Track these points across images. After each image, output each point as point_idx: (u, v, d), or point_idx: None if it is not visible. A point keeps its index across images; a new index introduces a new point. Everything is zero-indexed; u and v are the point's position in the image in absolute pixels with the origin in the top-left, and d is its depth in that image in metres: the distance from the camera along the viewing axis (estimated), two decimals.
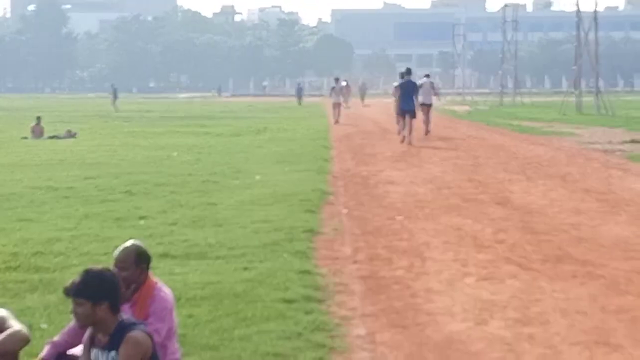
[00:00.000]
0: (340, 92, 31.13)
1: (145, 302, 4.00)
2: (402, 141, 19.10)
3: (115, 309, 3.47)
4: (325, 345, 4.61)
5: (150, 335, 3.52)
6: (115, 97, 44.21)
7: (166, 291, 4.09)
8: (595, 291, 5.76)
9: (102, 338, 3.51)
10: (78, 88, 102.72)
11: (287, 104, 50.35)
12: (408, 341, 4.75)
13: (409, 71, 20.59)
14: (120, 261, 3.98)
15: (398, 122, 21.24)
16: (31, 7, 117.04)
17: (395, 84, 22.26)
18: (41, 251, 6.98)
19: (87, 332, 3.60)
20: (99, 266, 3.61)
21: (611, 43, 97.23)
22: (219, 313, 5.17)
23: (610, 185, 11.50)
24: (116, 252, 4.05)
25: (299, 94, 51.62)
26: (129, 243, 4.09)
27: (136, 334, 3.45)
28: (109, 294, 3.44)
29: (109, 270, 3.57)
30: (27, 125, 23.68)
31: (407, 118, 19.20)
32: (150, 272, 4.14)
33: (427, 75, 23.69)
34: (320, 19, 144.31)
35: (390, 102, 24.03)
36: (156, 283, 4.09)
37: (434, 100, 24.04)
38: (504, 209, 9.44)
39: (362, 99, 49.45)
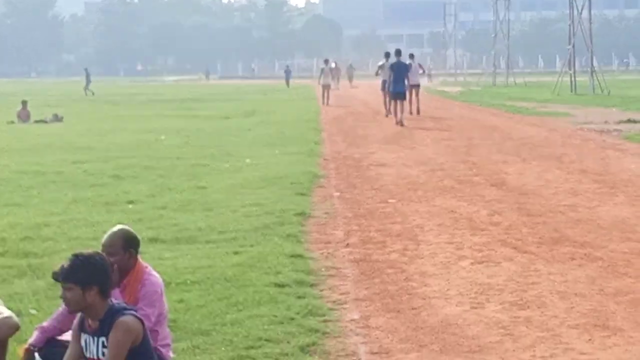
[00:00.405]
0: (329, 73, 31.06)
1: (134, 287, 3.96)
2: (397, 123, 18.99)
3: (105, 294, 3.42)
4: (318, 330, 4.54)
5: (141, 320, 3.47)
6: (88, 81, 43.43)
7: (156, 276, 4.04)
8: (593, 273, 5.69)
9: (92, 323, 3.45)
10: (65, 72, 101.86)
11: (277, 87, 50.23)
12: (403, 325, 4.67)
13: (398, 52, 20.48)
14: (108, 246, 3.92)
15: (385, 102, 21.83)
16: None
17: (380, 63, 23.26)
18: (29, 236, 6.91)
19: (77, 318, 3.55)
20: (88, 250, 3.55)
21: (605, 21, 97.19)
22: (210, 298, 5.10)
23: (607, 166, 11.43)
24: (104, 238, 3.99)
25: (287, 76, 52.09)
26: (116, 228, 4.05)
27: (127, 319, 3.39)
28: (99, 279, 3.39)
29: (98, 254, 3.52)
30: (14, 109, 23.52)
31: (398, 100, 19.30)
32: (140, 257, 4.05)
33: (412, 56, 23.76)
34: (308, 0, 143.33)
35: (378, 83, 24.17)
36: (146, 267, 4.04)
37: (425, 80, 25.08)
38: (499, 190, 9.35)
39: (350, 80, 49.44)
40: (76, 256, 3.41)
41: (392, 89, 19.61)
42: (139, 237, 4.09)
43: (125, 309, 3.45)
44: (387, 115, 21.46)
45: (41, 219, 7.64)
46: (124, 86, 44.14)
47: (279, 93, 40.99)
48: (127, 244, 3.93)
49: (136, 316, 3.44)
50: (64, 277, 3.38)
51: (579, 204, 8.36)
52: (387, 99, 21.68)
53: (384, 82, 22.08)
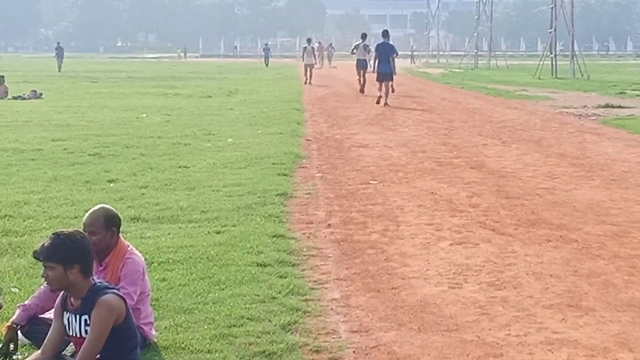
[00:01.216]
0: (312, 52, 31.12)
1: (116, 265, 3.98)
2: (378, 102, 19.28)
3: (86, 272, 3.42)
4: (300, 308, 4.60)
5: (123, 299, 3.49)
6: (59, 57, 42.29)
7: (137, 254, 4.06)
8: (568, 255, 5.80)
9: (74, 302, 3.47)
10: (43, 47, 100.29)
11: (259, 66, 50.09)
12: (383, 305, 4.75)
13: (385, 33, 20.63)
14: (89, 225, 3.92)
15: (359, 80, 23.55)
16: None
17: (356, 42, 25.25)
18: (9, 214, 6.86)
19: (60, 296, 3.56)
20: (68, 229, 3.54)
21: (586, 5, 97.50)
22: (193, 277, 5.14)
23: (584, 149, 11.56)
24: (85, 217, 4.00)
25: (266, 54, 52.15)
26: (97, 207, 4.05)
27: (109, 297, 3.41)
28: (80, 257, 3.39)
29: (79, 232, 3.51)
30: None
31: (384, 80, 19.44)
32: (122, 236, 4.08)
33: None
34: None
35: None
36: (128, 247, 4.06)
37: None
38: (479, 173, 9.45)
39: (329, 60, 49.45)
40: (57, 235, 3.41)
41: (379, 69, 19.82)
42: (121, 216, 4.12)
43: (108, 287, 3.47)
44: (361, 91, 22.73)
45: (21, 197, 7.60)
46: (104, 62, 43.49)
47: (261, 72, 40.80)
48: (109, 222, 3.94)
49: (118, 294, 3.46)
50: (45, 256, 3.38)
51: (556, 187, 8.49)
52: (362, 77, 23.33)
53: (358, 60, 23.91)
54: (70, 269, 3.37)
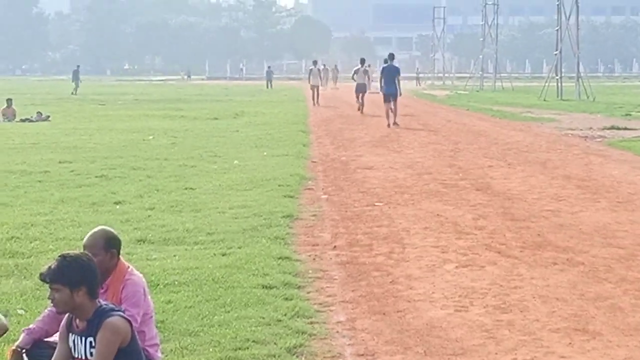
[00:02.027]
0: (318, 74, 31.97)
1: (116, 287, 3.96)
2: (389, 125, 19.78)
3: (93, 294, 3.42)
4: (305, 331, 4.59)
5: (129, 321, 3.49)
6: (76, 79, 42.55)
7: (138, 275, 4.05)
8: (575, 278, 5.78)
9: (79, 324, 3.47)
10: (50, 70, 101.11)
11: (264, 88, 50.32)
12: (388, 328, 4.74)
13: (391, 56, 21.73)
14: (89, 247, 3.92)
15: (357, 100, 25.69)
16: None
17: (355, 68, 27.47)
18: (16, 236, 6.90)
19: (65, 318, 3.56)
20: (74, 251, 3.55)
21: (592, 28, 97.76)
22: (198, 299, 5.14)
23: (590, 171, 11.53)
24: (85, 238, 4.00)
25: (269, 77, 52.64)
26: (97, 228, 4.06)
27: (114, 319, 3.41)
28: (87, 279, 3.39)
29: (85, 254, 3.52)
30: None
31: (391, 100, 20.28)
32: (122, 257, 4.09)
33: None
34: (297, 0, 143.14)
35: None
36: (128, 268, 4.05)
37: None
38: (484, 195, 9.44)
39: (334, 81, 49.86)
40: (63, 257, 3.41)
41: (385, 90, 20.67)
42: (120, 237, 4.13)
43: (114, 309, 3.47)
44: (358, 109, 25.25)
45: (28, 219, 7.63)
46: (111, 85, 43.81)
47: (266, 94, 40.99)
48: (108, 244, 3.93)
49: (124, 317, 3.46)
50: (51, 278, 3.37)
51: (562, 209, 8.47)
52: (361, 99, 25.54)
53: (358, 84, 25.99)
54: (76, 291, 3.37)
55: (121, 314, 3.47)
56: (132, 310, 3.86)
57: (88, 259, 3.47)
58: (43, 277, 3.43)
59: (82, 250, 3.74)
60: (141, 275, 4.10)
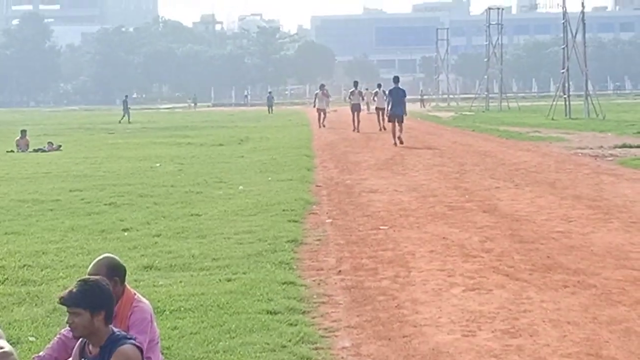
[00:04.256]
0: (323, 98, 33.30)
1: (125, 314, 3.99)
2: (396, 144, 20.87)
3: (109, 319, 3.48)
4: (310, 357, 4.56)
5: (140, 350, 3.51)
6: (125, 107, 43.63)
7: (145, 302, 4.07)
8: (587, 301, 5.67)
9: (92, 350, 3.49)
10: (62, 101, 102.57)
11: (268, 113, 50.64)
12: (394, 353, 4.68)
13: (396, 79, 23.23)
14: (93, 275, 3.93)
15: (353, 120, 28.87)
16: (15, 22, 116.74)
17: (350, 90, 32.09)
18: (28, 264, 6.96)
19: (78, 343, 3.59)
20: (93, 276, 3.61)
21: (600, 44, 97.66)
22: (203, 325, 5.13)
23: (601, 191, 11.37)
24: (89, 267, 4.02)
25: (270, 102, 53.87)
26: (101, 257, 4.09)
27: (127, 347, 3.44)
28: (106, 304, 3.45)
29: (103, 279, 3.58)
30: (12, 138, 23.73)
31: (396, 121, 21.41)
32: (128, 285, 4.08)
33: (379, 85, 32.54)
34: (300, 26, 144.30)
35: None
36: (134, 295, 4.05)
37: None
38: (491, 216, 9.37)
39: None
40: (85, 281, 3.47)
41: (391, 111, 21.77)
42: (125, 264, 4.14)
43: (126, 337, 3.50)
44: (355, 130, 27.98)
45: (39, 247, 7.69)
46: (120, 114, 44.25)
47: (271, 119, 41.17)
48: (112, 271, 3.96)
49: (136, 345, 3.49)
50: (73, 301, 3.41)
51: (572, 230, 8.36)
52: (356, 118, 28.81)
53: (353, 105, 29.83)
54: (97, 315, 3.42)
55: (133, 342, 3.50)
56: (140, 337, 3.89)
57: (106, 283, 3.53)
58: (64, 301, 3.46)
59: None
60: (148, 302, 4.11)
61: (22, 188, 12.68)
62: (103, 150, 21.50)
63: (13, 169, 16.24)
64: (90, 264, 6.57)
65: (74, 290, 3.42)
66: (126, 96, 49.07)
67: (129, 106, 44.63)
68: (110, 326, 3.50)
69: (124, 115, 42.54)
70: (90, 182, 13.30)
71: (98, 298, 3.42)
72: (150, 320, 4.03)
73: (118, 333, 3.49)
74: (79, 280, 3.48)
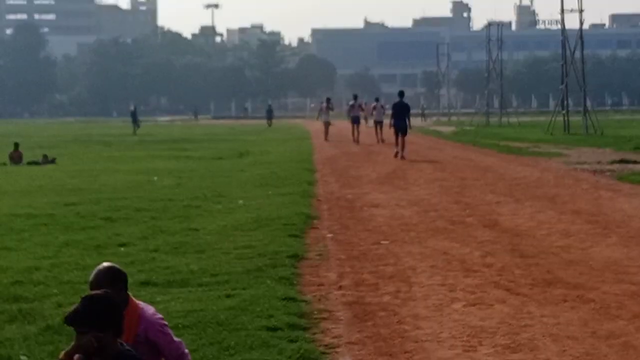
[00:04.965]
0: (328, 111, 34.12)
1: (131, 323, 3.88)
2: (396, 156, 21.29)
3: (118, 334, 3.33)
4: None
5: None
6: (135, 119, 43.82)
7: (151, 307, 4.01)
8: (586, 316, 5.66)
9: None
10: (57, 112, 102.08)
11: (273, 126, 50.71)
12: None
13: (401, 93, 23.57)
14: (95, 285, 3.87)
15: (352, 132, 30.40)
16: (9, 31, 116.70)
17: (350, 103, 33.72)
18: (20, 280, 6.85)
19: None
20: (97, 292, 3.43)
21: (598, 61, 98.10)
22: (202, 342, 5.07)
23: (600, 206, 11.40)
24: (90, 276, 3.96)
25: (269, 115, 54.50)
26: (101, 265, 4.01)
27: None
28: (115, 320, 3.31)
29: (108, 293, 3.42)
30: (6, 151, 23.47)
31: (400, 135, 21.81)
32: (131, 295, 4.03)
33: (377, 99, 33.48)
34: (301, 39, 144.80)
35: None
36: (139, 304, 3.99)
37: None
38: (492, 231, 9.34)
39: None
40: (90, 298, 3.30)
41: (395, 124, 22.26)
42: (125, 271, 4.07)
43: (135, 357, 3.38)
44: (355, 141, 29.44)
45: (32, 263, 7.57)
46: (117, 126, 44.31)
47: (271, 133, 41.19)
48: (113, 279, 3.86)
49: None
50: (80, 321, 3.25)
51: (571, 245, 8.36)
52: (356, 130, 30.32)
53: (353, 117, 31.35)
54: (105, 333, 3.27)
55: None
56: (172, 336, 3.89)
57: (112, 298, 3.38)
58: (70, 321, 3.28)
59: (99, 290, 3.66)
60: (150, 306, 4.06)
61: (15, 202, 12.55)
62: (99, 163, 21.43)
63: (6, 183, 16.09)
64: (85, 280, 6.54)
65: (80, 308, 3.26)
66: (135, 107, 49.29)
67: (138, 117, 44.92)
68: (119, 341, 3.37)
69: (135, 127, 42.66)
70: (85, 196, 13.19)
71: (106, 316, 3.27)
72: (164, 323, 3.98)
73: (127, 352, 3.37)
74: (84, 298, 3.31)
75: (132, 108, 47.76)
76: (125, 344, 3.46)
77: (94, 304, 3.29)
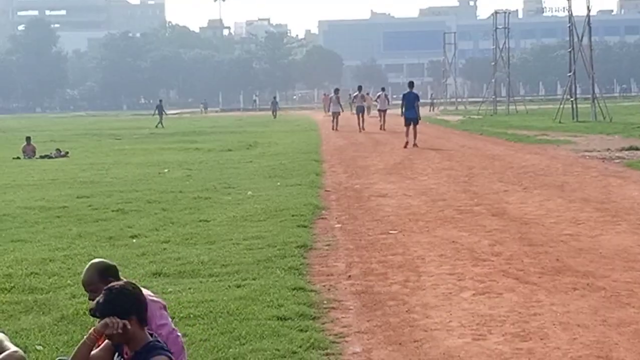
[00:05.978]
0: (337, 102, 34.61)
1: None
2: (406, 146, 21.52)
3: (143, 322, 3.51)
4: None
5: None
6: (160, 112, 44.34)
7: (151, 294, 4.05)
8: (596, 303, 5.66)
9: (129, 352, 3.54)
10: (69, 107, 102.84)
11: (278, 118, 50.70)
12: (405, 358, 4.67)
13: (411, 84, 23.94)
14: (88, 284, 3.98)
15: (358, 122, 31.94)
16: (21, 27, 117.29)
17: (354, 94, 36.02)
18: (35, 272, 6.94)
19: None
20: (120, 282, 3.65)
21: (606, 48, 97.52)
22: (213, 332, 5.12)
23: (609, 193, 11.35)
24: (82, 276, 4.05)
25: (274, 107, 55.29)
26: (89, 264, 4.12)
27: (160, 359, 3.46)
28: (135, 308, 3.48)
29: (129, 283, 3.61)
30: (19, 145, 23.73)
31: (412, 125, 22.13)
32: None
33: (383, 89, 35.90)
34: (308, 31, 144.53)
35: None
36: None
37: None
38: (501, 220, 9.35)
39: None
40: (110, 289, 3.51)
41: (406, 115, 22.47)
42: (113, 263, 4.12)
43: (163, 348, 3.51)
44: (360, 130, 30.95)
45: (46, 255, 7.67)
46: (127, 119, 44.43)
47: (279, 124, 41.20)
48: (103, 274, 3.96)
49: (169, 357, 3.50)
50: (102, 312, 3.47)
51: (581, 233, 8.35)
52: (361, 119, 31.93)
53: (357, 107, 32.80)
54: (128, 321, 3.45)
55: (168, 354, 3.50)
56: (165, 320, 3.93)
57: (133, 287, 3.56)
58: (94, 313, 3.55)
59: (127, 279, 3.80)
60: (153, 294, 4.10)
61: (28, 195, 12.68)
62: (110, 156, 21.55)
63: (19, 176, 16.26)
64: None
65: (101, 300, 3.50)
66: (160, 100, 50.31)
67: (164, 110, 45.40)
68: (148, 332, 3.53)
69: (159, 120, 42.96)
70: (97, 189, 13.30)
71: (124, 304, 3.46)
72: (163, 307, 4.03)
73: (155, 343, 3.51)
74: (105, 289, 3.55)
75: (158, 102, 49.48)
76: (155, 335, 3.56)
77: (113, 294, 3.48)
